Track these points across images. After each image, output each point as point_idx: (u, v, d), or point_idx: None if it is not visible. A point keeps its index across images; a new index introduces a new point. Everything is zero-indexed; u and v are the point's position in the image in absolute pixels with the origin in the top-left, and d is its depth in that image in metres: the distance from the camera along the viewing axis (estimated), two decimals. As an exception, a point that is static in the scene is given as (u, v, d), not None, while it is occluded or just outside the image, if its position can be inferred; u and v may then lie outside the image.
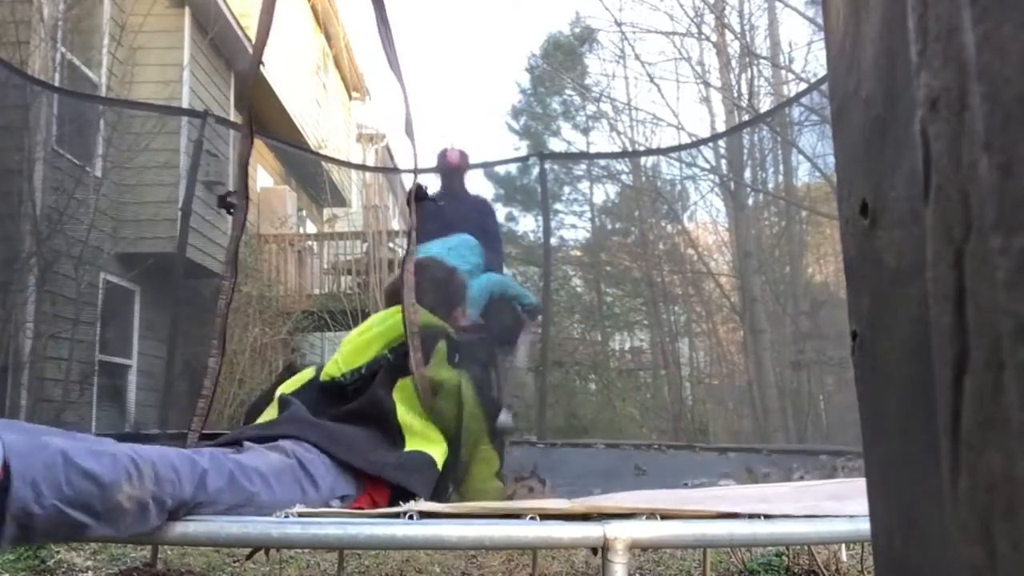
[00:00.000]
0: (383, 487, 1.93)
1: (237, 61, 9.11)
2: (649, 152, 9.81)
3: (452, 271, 2.76)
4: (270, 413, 2.22)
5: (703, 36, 9.82)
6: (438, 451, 2.09)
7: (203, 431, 2.58)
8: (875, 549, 0.46)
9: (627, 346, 10.80)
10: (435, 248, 3.89)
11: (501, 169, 16.27)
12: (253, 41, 2.73)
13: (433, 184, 5.37)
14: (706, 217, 10.33)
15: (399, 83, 2.62)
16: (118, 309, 7.50)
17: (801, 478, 3.14)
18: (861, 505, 1.23)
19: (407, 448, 2.06)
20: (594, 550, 1.37)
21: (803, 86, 8.21)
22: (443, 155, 5.19)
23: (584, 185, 13.70)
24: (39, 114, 6.22)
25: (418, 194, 2.67)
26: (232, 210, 2.77)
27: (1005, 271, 0.29)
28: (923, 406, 0.35)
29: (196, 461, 1.47)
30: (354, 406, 2.13)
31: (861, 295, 0.46)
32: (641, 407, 9.02)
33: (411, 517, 1.31)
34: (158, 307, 7.42)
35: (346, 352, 2.35)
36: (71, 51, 6.96)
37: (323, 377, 2.31)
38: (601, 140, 19.79)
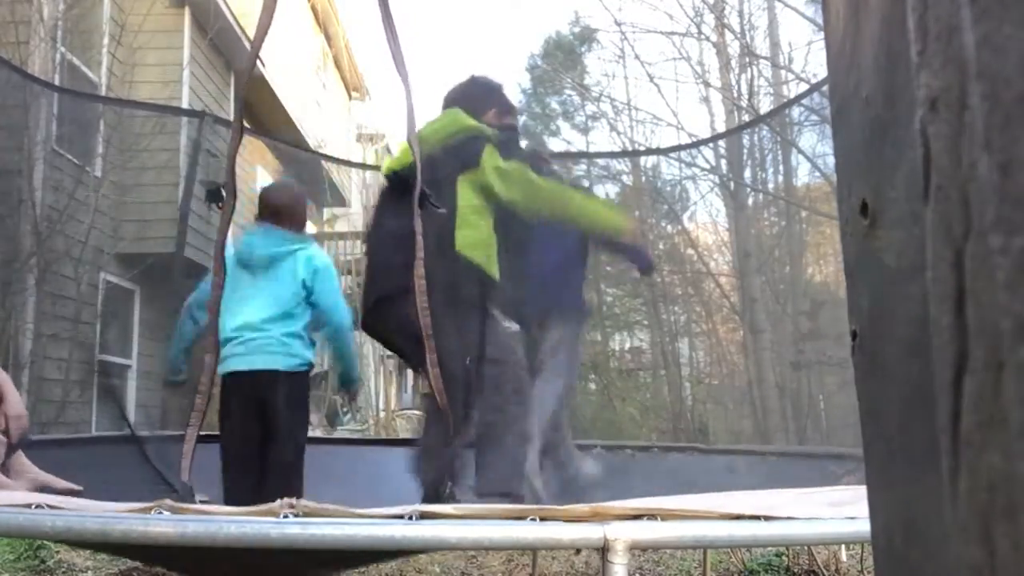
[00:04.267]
0: None
1: (237, 61, 9.11)
2: (649, 152, 9.81)
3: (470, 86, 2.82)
4: None
5: (703, 36, 9.82)
6: (480, 253, 2.38)
7: (177, 431, 2.60)
8: (875, 549, 0.46)
9: (627, 346, 10.79)
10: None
11: (501, 169, 16.22)
12: (252, 39, 2.74)
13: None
14: (706, 217, 10.32)
15: (404, 86, 2.63)
16: (118, 309, 7.50)
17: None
18: (865, 510, 1.23)
19: (456, 247, 2.34)
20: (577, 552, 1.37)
21: (803, 86, 8.21)
22: None
23: (584, 185, 13.68)
24: (39, 114, 6.22)
25: (421, 200, 2.68)
26: (221, 204, 2.78)
27: (1005, 271, 0.29)
28: (923, 406, 0.35)
29: None
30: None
31: (861, 295, 0.46)
32: (641, 407, 9.02)
33: (411, 518, 1.31)
34: (158, 307, 7.42)
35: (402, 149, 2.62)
36: (71, 51, 6.96)
37: (385, 171, 2.67)
38: (601, 140, 19.79)
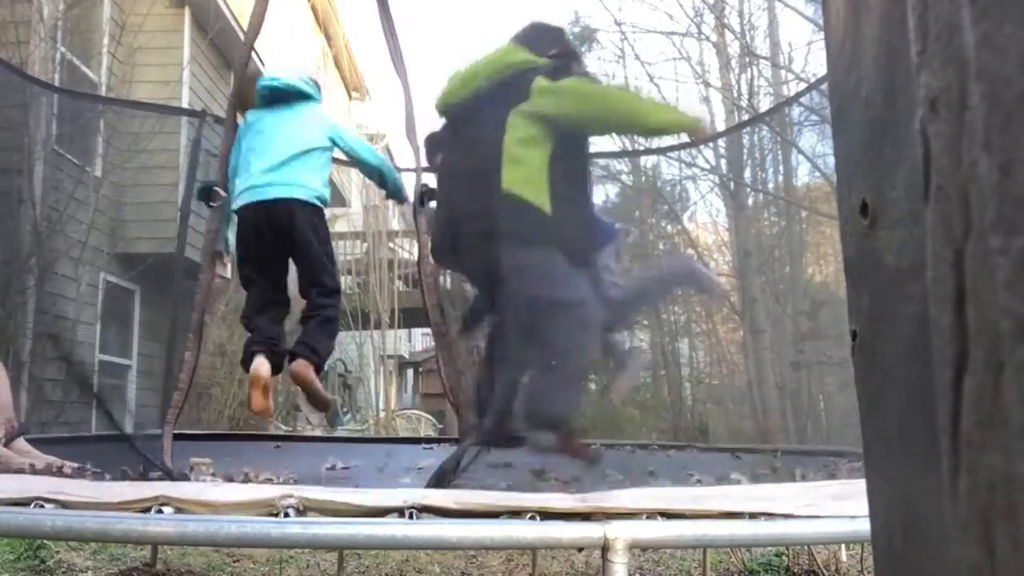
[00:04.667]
0: None
1: (237, 61, 9.11)
2: (649, 152, 9.80)
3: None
4: None
5: (703, 36, 9.81)
6: (530, 189, 2.30)
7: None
8: (875, 549, 0.46)
9: (627, 346, 10.77)
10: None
11: (501, 169, 16.20)
12: (245, 34, 2.78)
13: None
14: (706, 217, 10.31)
15: (402, 83, 2.65)
16: (118, 309, 7.49)
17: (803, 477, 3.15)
18: (863, 505, 1.23)
19: (504, 185, 2.29)
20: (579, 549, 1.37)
21: (803, 86, 8.20)
22: None
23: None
24: (39, 114, 6.21)
25: (423, 197, 2.71)
26: (212, 203, 2.83)
27: (1005, 271, 0.29)
28: (923, 406, 0.35)
29: None
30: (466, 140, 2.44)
31: (861, 295, 0.46)
32: (641, 407, 9.01)
33: (411, 516, 1.31)
34: (158, 307, 7.42)
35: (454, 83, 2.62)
36: (71, 51, 6.96)
37: (440, 106, 2.63)
38: (601, 140, 19.73)
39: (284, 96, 3.05)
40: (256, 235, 2.90)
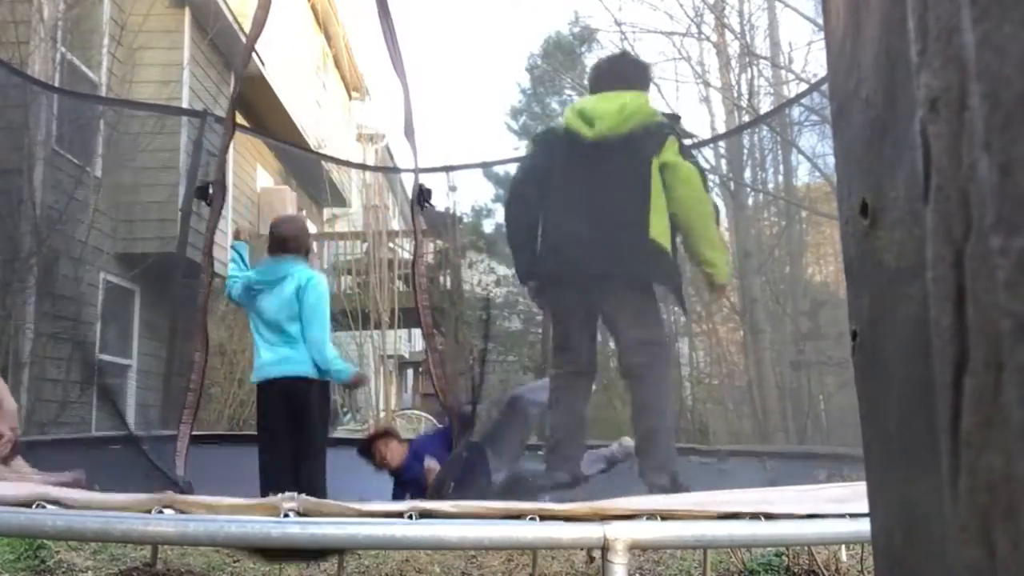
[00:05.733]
0: None
1: (237, 61, 9.10)
2: (649, 152, 9.78)
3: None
4: None
5: (703, 36, 9.81)
6: (668, 240, 2.52)
7: (194, 432, 2.62)
8: (875, 549, 0.46)
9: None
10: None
11: (500, 169, 16.24)
12: (247, 35, 2.80)
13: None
14: (706, 217, 10.31)
15: (402, 85, 2.65)
16: (118, 309, 7.49)
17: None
18: (862, 507, 1.23)
19: (651, 234, 2.43)
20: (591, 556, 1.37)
21: (803, 86, 8.20)
22: None
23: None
24: (39, 114, 6.21)
25: (420, 197, 2.72)
26: (210, 201, 2.86)
27: (1005, 271, 0.29)
28: (923, 406, 0.35)
29: None
30: (609, 175, 2.50)
31: (861, 295, 0.46)
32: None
33: (411, 517, 1.31)
34: (158, 307, 7.42)
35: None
36: (71, 51, 6.96)
37: (594, 137, 2.56)
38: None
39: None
40: (276, 409, 3.14)
